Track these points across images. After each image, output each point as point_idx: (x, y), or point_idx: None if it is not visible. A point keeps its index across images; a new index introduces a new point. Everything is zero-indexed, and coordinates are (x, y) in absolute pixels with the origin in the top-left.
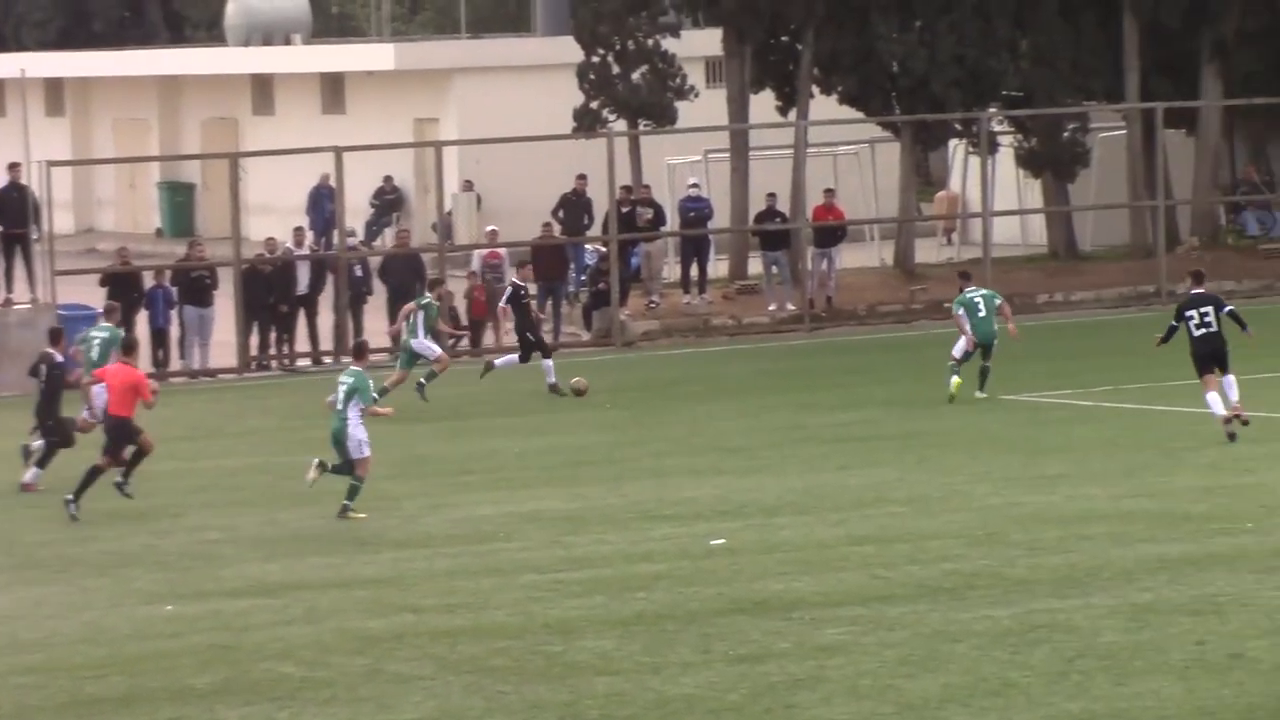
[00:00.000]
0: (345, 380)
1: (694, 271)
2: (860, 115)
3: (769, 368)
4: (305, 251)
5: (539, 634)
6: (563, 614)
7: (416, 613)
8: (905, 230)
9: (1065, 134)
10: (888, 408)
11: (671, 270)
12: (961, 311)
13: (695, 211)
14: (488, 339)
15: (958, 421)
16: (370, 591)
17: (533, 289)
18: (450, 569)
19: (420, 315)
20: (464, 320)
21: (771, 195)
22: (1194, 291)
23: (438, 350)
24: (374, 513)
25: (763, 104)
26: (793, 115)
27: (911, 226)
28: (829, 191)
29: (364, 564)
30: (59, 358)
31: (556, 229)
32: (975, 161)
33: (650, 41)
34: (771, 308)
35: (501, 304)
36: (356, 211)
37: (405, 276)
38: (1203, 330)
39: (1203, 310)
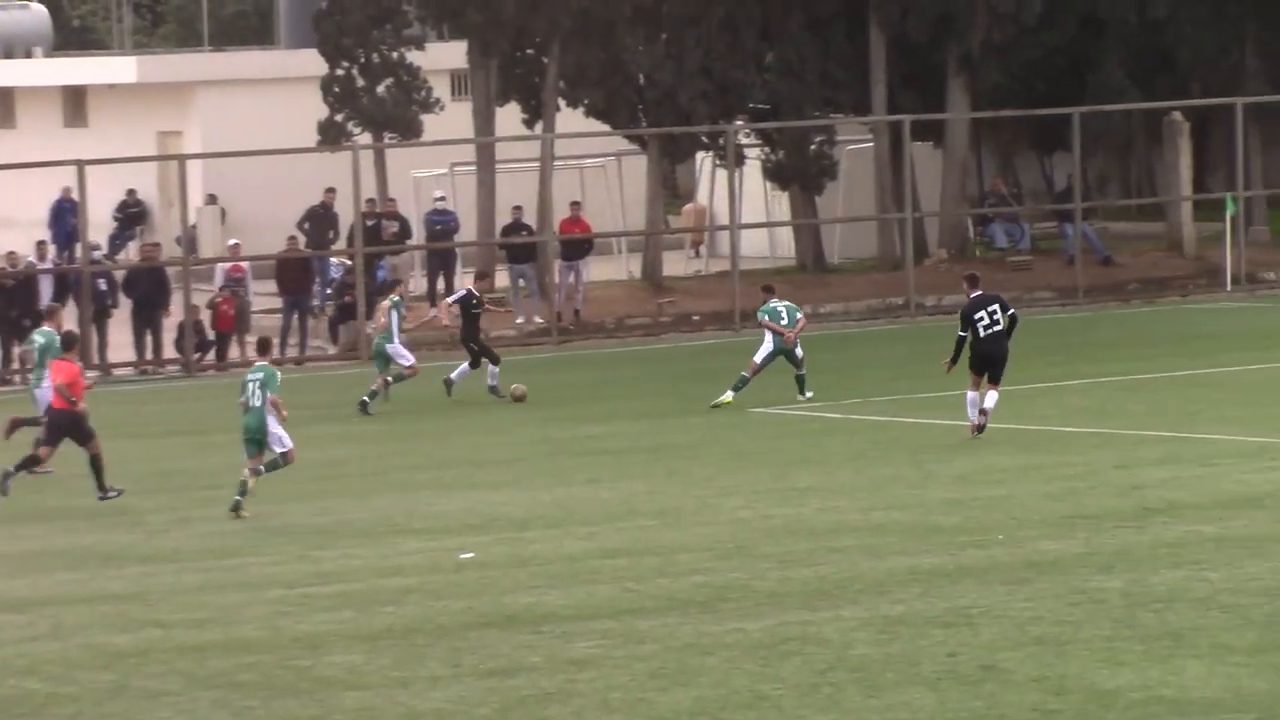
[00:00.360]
0: (256, 375)
1: (440, 285)
2: (607, 128)
3: (517, 381)
4: (48, 265)
5: (288, 648)
6: (311, 628)
7: (164, 628)
8: (653, 243)
9: (812, 147)
10: (637, 420)
11: (418, 283)
12: (766, 318)
13: (441, 224)
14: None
15: (708, 434)
16: (117, 606)
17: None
18: (198, 584)
19: (394, 317)
20: (209, 333)
21: (518, 208)
22: (974, 295)
23: (411, 358)
24: (118, 529)
25: (509, 117)
26: (539, 128)
27: (659, 239)
28: (575, 204)
29: (110, 579)
30: None
31: (302, 242)
32: (722, 174)
33: (395, 54)
34: (519, 321)
35: (449, 301)
36: (100, 225)
37: (149, 290)
38: (990, 331)
39: (990, 309)
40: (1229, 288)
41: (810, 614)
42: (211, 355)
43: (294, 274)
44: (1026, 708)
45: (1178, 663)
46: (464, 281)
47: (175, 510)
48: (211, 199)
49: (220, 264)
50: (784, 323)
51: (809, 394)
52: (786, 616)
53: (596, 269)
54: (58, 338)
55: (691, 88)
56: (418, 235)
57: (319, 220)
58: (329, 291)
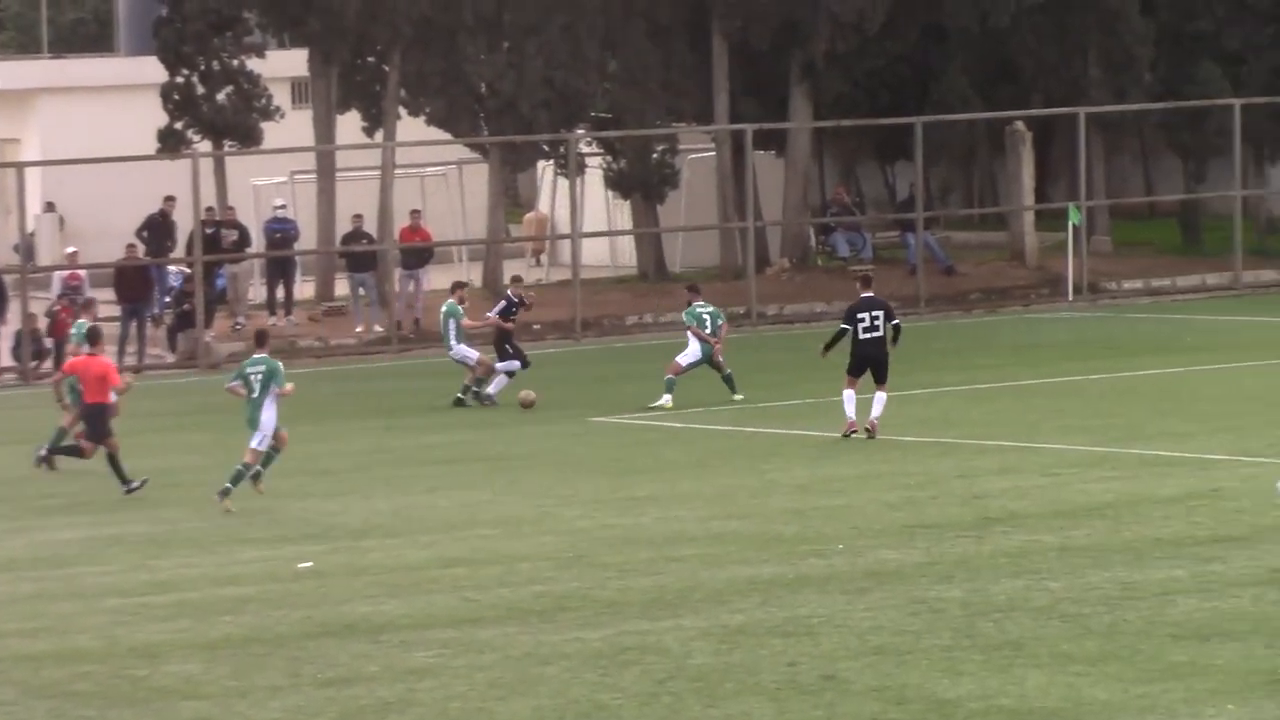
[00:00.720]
0: (257, 368)
1: (280, 293)
2: (448, 136)
3: (356, 389)
4: None
5: (124, 658)
6: (148, 638)
7: None
8: (494, 251)
9: (654, 155)
10: (477, 429)
11: (257, 292)
12: (694, 324)
13: (281, 233)
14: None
15: (547, 444)
16: None
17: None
18: (33, 593)
19: (451, 324)
20: (46, 342)
21: (358, 216)
22: (864, 295)
23: (475, 355)
24: None
25: (350, 125)
26: (379, 136)
27: (500, 248)
28: (415, 213)
29: None
30: None
31: (141, 250)
32: (564, 183)
33: (235, 62)
34: (359, 329)
35: (492, 314)
36: None
37: None
38: (869, 335)
39: (873, 314)
40: (1071, 297)
41: (649, 623)
42: (50, 364)
43: (133, 282)
44: (866, 717)
45: (1018, 672)
46: (303, 290)
47: (10, 519)
48: (49, 207)
49: (58, 272)
50: (708, 330)
51: (740, 395)
52: (626, 626)
53: (437, 277)
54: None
55: (533, 96)
56: (257, 243)
57: (158, 228)
58: (168, 300)
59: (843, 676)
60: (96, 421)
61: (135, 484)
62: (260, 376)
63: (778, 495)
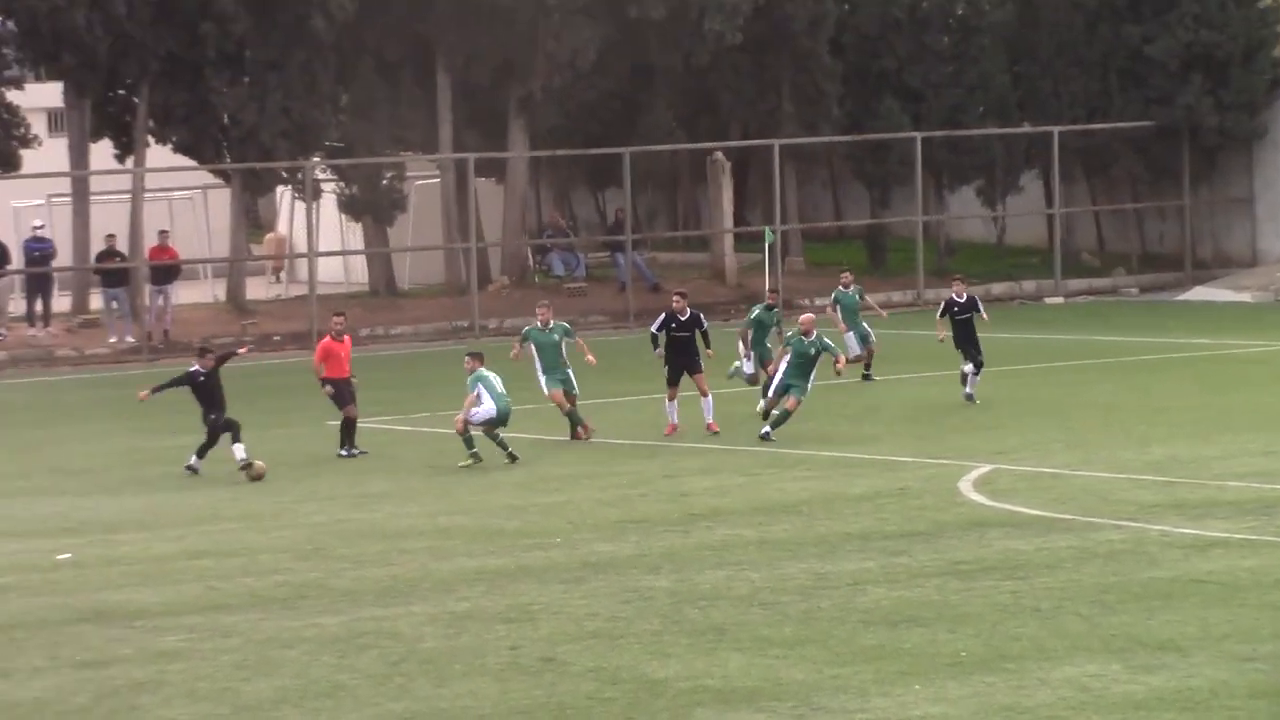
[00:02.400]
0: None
1: (39, 306)
2: (194, 163)
3: (110, 395)
4: None
5: None
6: None
7: None
8: (236, 269)
9: (384, 182)
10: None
11: (18, 305)
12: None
13: (40, 251)
14: None
15: (286, 445)
16: None
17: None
18: None
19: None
20: None
21: (111, 236)
22: (674, 303)
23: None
24: None
25: (102, 152)
26: (130, 163)
27: (242, 266)
28: (164, 233)
29: None
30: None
31: None
32: (301, 206)
33: None
34: (112, 340)
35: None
36: None
37: None
38: (678, 337)
39: (683, 320)
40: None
41: (383, 610)
42: None
43: None
44: (583, 696)
45: (721, 655)
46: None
47: None
48: None
49: None
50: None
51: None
52: (361, 612)
53: (184, 292)
54: None
55: (273, 126)
56: (18, 261)
57: None
58: None
59: (562, 659)
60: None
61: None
62: None
63: (500, 492)
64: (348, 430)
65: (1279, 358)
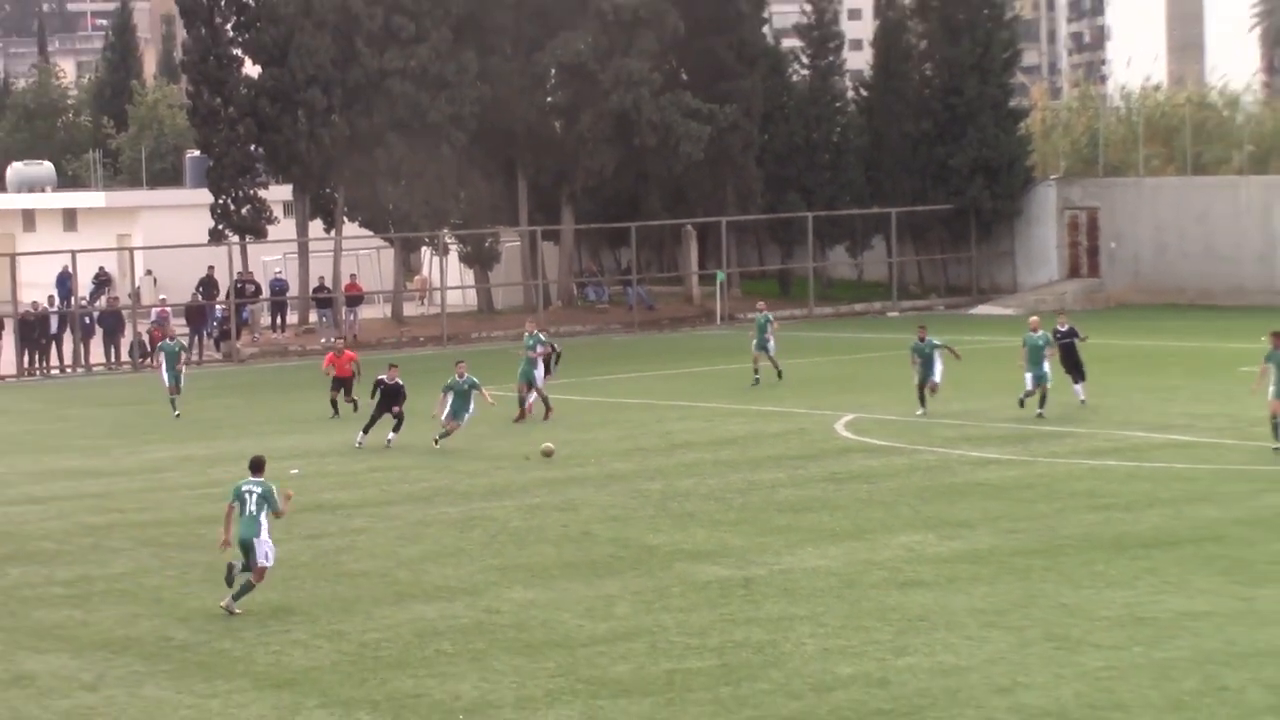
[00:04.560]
0: (254, 489)
1: (278, 320)
2: (371, 233)
3: (320, 376)
4: (55, 309)
5: None
6: None
7: None
8: (397, 297)
9: (486, 244)
10: None
11: (266, 319)
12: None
13: (279, 287)
14: None
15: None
16: None
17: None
18: None
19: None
20: (147, 347)
21: (321, 277)
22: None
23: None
24: None
25: (316, 227)
26: (333, 233)
27: (400, 295)
28: (353, 275)
29: None
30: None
31: (199, 296)
32: (436, 259)
33: (251, 191)
34: (322, 341)
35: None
36: (81, 287)
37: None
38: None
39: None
40: (719, 323)
41: (485, 503)
42: (149, 361)
43: (195, 314)
44: (606, 555)
45: (691, 530)
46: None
47: None
48: (149, 272)
49: (154, 308)
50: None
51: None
52: (472, 505)
53: (365, 311)
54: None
55: (418, 211)
56: (265, 292)
57: (208, 284)
58: (214, 324)
59: (594, 532)
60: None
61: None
62: (256, 497)
63: (552, 435)
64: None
65: (1008, 349)
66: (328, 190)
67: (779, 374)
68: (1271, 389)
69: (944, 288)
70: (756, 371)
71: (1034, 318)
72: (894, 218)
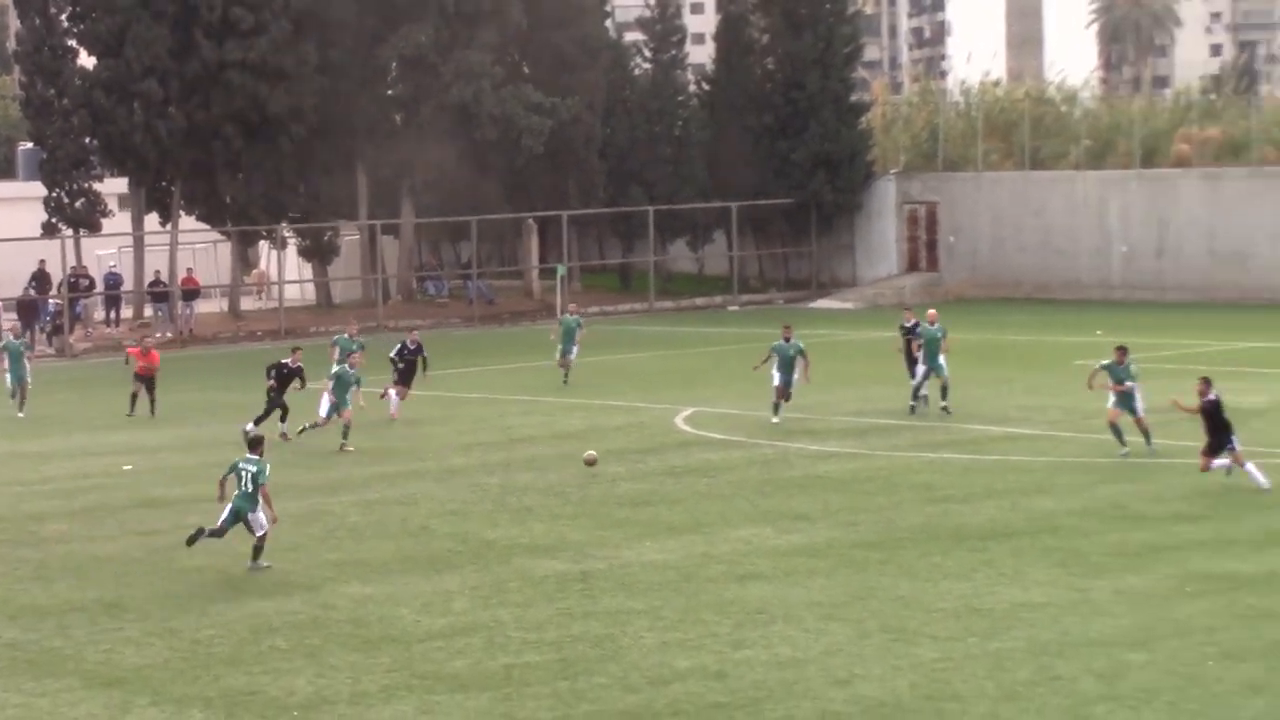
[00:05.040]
0: (249, 467)
1: (113, 314)
2: (208, 227)
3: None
4: None
5: None
6: None
7: None
8: (233, 291)
9: (325, 238)
10: None
11: (100, 314)
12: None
13: (113, 281)
14: None
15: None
16: None
17: None
18: None
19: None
20: None
21: (157, 271)
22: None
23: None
24: None
25: (151, 220)
26: (169, 227)
27: (237, 289)
28: (190, 269)
29: None
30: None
31: (32, 290)
32: (274, 252)
33: (85, 184)
34: (158, 335)
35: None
36: None
37: None
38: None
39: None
40: (559, 316)
41: (325, 498)
42: None
43: (27, 309)
44: (444, 550)
45: (529, 524)
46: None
47: None
48: None
49: None
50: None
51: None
52: (312, 500)
53: (201, 306)
54: None
55: (256, 205)
56: (100, 286)
57: (42, 278)
58: (48, 318)
59: (433, 527)
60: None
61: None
62: (251, 474)
63: (395, 430)
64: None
65: (871, 341)
66: (164, 183)
67: (565, 379)
68: (1112, 398)
69: (784, 281)
70: (566, 372)
71: (931, 310)
72: (735, 211)
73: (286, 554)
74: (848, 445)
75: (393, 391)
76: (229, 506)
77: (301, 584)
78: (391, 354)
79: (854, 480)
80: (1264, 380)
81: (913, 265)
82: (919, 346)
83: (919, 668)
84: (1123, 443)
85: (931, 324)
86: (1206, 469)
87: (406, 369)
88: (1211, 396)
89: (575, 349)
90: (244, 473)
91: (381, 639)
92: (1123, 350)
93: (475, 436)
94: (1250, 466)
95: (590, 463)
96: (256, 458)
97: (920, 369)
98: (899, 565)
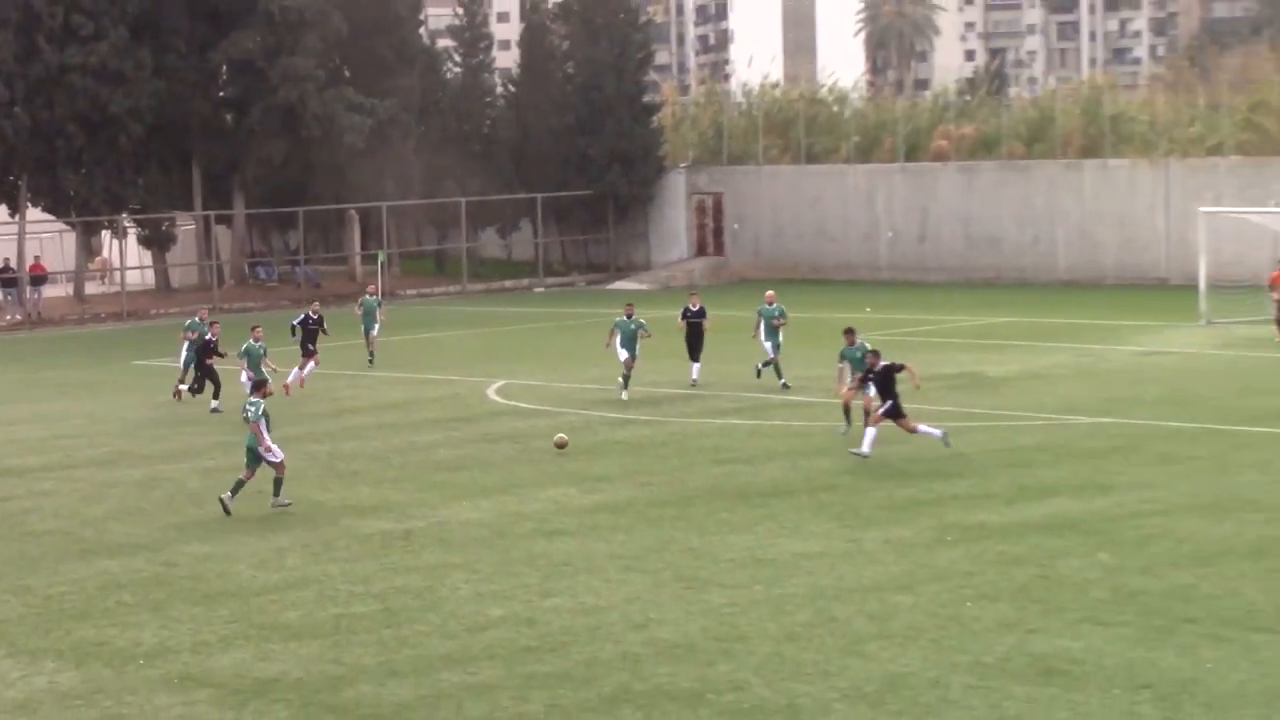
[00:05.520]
0: (249, 409)
1: None
2: (54, 218)
3: (8, 350)
4: None
5: None
6: None
7: None
8: (79, 276)
9: (163, 227)
10: None
11: None
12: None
13: None
14: None
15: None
16: None
17: None
18: None
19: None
20: None
21: (7, 259)
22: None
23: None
24: None
25: (1, 211)
26: (18, 218)
27: (83, 275)
28: (38, 257)
29: None
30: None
31: None
32: (116, 241)
33: None
34: (8, 318)
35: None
36: None
37: None
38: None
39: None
40: (380, 299)
41: (171, 467)
42: None
43: None
44: (276, 515)
45: (357, 488)
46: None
47: None
48: None
49: None
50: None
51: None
52: (122, 470)
53: (49, 290)
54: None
55: (99, 197)
56: None
57: None
58: None
59: (265, 492)
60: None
61: None
62: (254, 412)
63: (225, 402)
64: None
65: (665, 319)
66: (11, 178)
67: (371, 358)
68: (849, 380)
69: (585, 265)
70: (371, 352)
71: (770, 291)
72: (539, 202)
73: (131, 517)
74: (644, 413)
75: (312, 363)
76: (245, 449)
77: (145, 545)
78: (294, 322)
79: (649, 444)
80: (1015, 351)
81: (701, 250)
82: (760, 326)
83: (709, 613)
84: (849, 423)
85: (770, 304)
86: (914, 430)
87: (307, 337)
88: (880, 366)
89: (377, 327)
90: (246, 413)
91: (220, 593)
92: (851, 332)
93: (305, 408)
94: (923, 427)
95: (561, 445)
96: (257, 399)
97: (768, 344)
98: (690, 521)
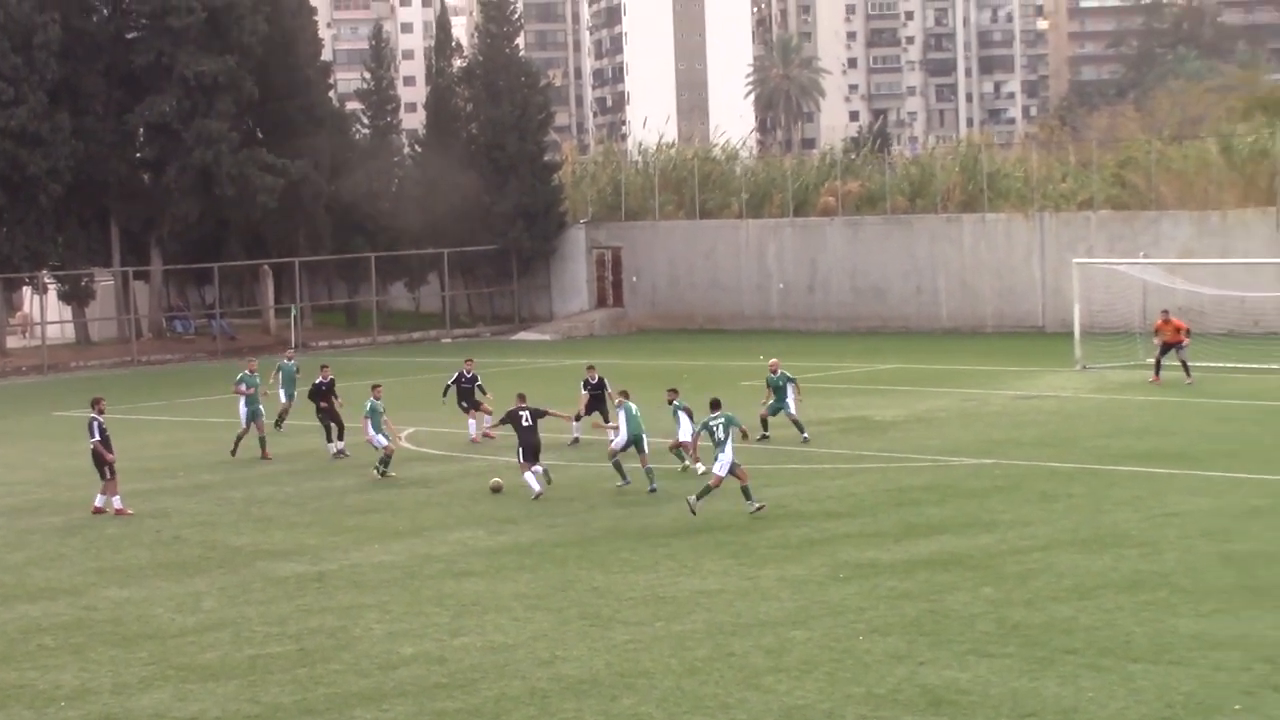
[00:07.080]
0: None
1: None
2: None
3: None
4: None
5: None
6: None
7: None
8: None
9: (82, 283)
10: None
11: None
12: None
13: None
14: None
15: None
16: None
17: None
18: None
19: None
20: None
21: None
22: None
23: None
24: None
25: None
26: None
27: (2, 328)
28: None
29: None
30: None
31: None
32: (37, 297)
33: None
34: None
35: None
36: None
37: None
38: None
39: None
40: (294, 349)
41: (77, 516)
42: None
43: None
44: (196, 556)
45: (272, 532)
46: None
47: None
48: None
49: None
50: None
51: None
52: (75, 515)
53: None
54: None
55: (18, 255)
56: None
57: None
58: None
59: (185, 537)
60: None
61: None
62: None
63: (156, 449)
64: None
65: (564, 368)
66: None
67: (280, 423)
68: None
69: (490, 317)
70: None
71: (774, 360)
72: (446, 257)
73: (52, 563)
74: (548, 458)
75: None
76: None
77: (66, 589)
78: (449, 382)
79: (554, 488)
80: (901, 396)
81: (601, 301)
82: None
83: (613, 649)
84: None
85: (774, 373)
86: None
87: (462, 395)
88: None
89: (296, 394)
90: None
91: (139, 636)
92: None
93: (222, 455)
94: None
95: (496, 490)
96: (373, 399)
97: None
98: (593, 560)
